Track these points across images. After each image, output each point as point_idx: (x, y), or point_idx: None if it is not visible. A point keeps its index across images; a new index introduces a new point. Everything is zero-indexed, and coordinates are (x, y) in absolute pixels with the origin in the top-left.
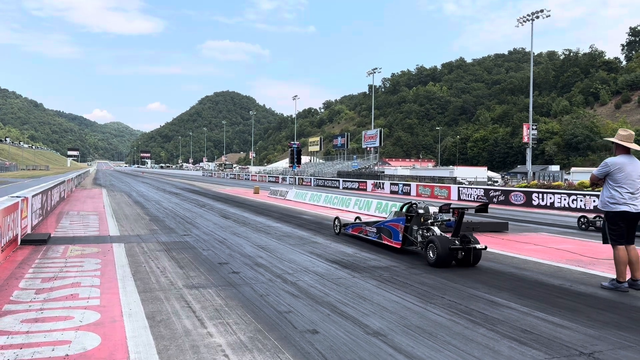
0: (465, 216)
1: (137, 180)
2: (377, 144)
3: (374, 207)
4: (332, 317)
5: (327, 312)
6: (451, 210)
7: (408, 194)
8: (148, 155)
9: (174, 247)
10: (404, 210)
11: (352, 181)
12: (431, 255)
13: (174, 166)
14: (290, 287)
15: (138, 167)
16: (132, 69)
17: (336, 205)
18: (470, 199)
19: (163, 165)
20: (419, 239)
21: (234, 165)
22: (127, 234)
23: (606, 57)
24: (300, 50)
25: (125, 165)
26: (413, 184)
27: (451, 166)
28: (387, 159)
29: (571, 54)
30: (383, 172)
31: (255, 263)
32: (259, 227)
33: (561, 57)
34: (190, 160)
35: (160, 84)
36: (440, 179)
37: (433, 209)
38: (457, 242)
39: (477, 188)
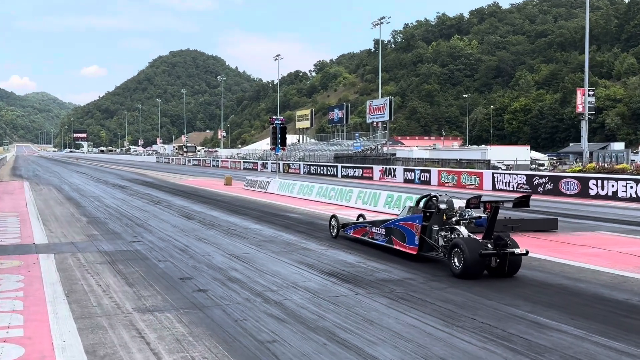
0: (502, 212)
1: (70, 169)
2: (387, 118)
3: (383, 201)
4: (330, 348)
5: (322, 341)
6: (482, 204)
7: (427, 182)
8: (84, 135)
9: (121, 258)
10: (420, 205)
11: (353, 167)
12: (456, 263)
13: (118, 150)
14: (274, 309)
15: (71, 151)
16: (61, 22)
17: (333, 200)
18: (508, 188)
19: (104, 149)
20: (441, 242)
21: (199, 148)
22: (57, 242)
23: None
24: None
25: (54, 149)
26: (434, 170)
27: (483, 145)
28: (399, 138)
29: None
30: (394, 154)
31: (227, 277)
32: (232, 229)
33: (626, 1)
34: (140, 142)
35: (99, 41)
36: (470, 163)
37: (458, 203)
38: (489, 245)
39: (517, 174)
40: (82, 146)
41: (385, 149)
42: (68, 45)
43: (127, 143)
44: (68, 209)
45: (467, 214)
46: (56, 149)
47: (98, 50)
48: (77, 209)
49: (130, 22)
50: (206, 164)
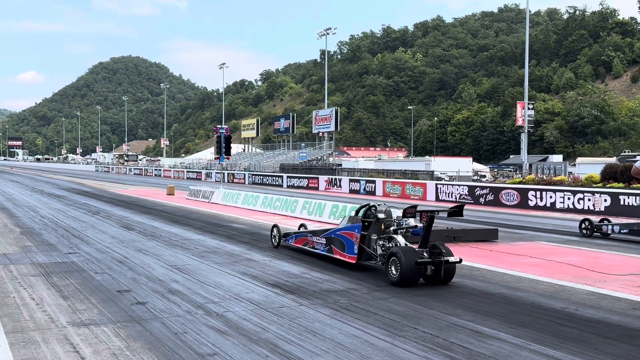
0: (444, 223)
1: (4, 178)
2: (332, 128)
3: (328, 211)
4: None
5: (265, 354)
6: (418, 213)
7: (372, 193)
8: (19, 143)
9: (56, 270)
10: (360, 214)
11: (299, 177)
12: (393, 271)
13: (55, 158)
14: (215, 321)
15: (5, 159)
16: None
17: (278, 210)
18: (451, 199)
19: (40, 157)
20: (379, 251)
21: (140, 157)
22: None
23: (620, 18)
24: (230, 2)
25: None
26: (379, 181)
27: (427, 157)
28: (345, 148)
29: (577, 12)
30: (340, 165)
31: (168, 290)
32: (174, 240)
33: (564, 17)
34: (79, 151)
35: (37, 46)
36: (414, 174)
37: (397, 213)
38: (425, 254)
39: (460, 185)
40: (17, 154)
41: (331, 159)
42: (4, 50)
43: (65, 151)
44: (1, 219)
45: (404, 224)
46: None
47: (36, 55)
48: (10, 219)
49: (69, 27)
50: (148, 174)
